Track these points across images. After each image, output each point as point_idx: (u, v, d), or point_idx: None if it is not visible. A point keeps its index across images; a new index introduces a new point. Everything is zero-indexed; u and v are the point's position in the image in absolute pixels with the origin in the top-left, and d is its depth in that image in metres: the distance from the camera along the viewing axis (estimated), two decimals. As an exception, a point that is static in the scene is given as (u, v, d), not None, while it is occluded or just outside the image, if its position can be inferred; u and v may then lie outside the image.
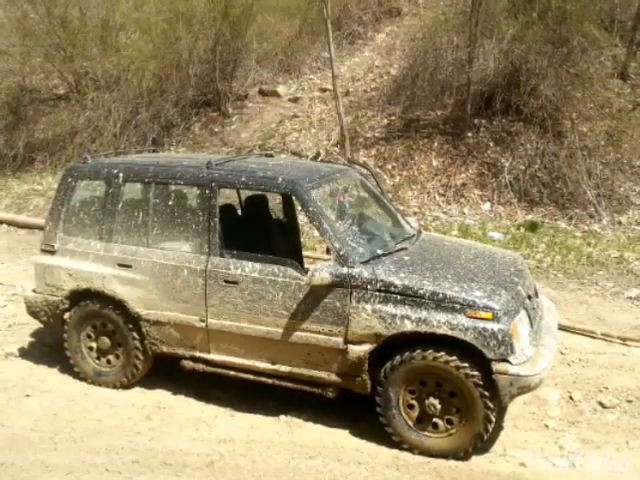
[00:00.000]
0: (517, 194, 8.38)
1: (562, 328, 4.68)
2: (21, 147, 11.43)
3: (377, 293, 3.47)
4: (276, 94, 11.47)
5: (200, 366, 4.00)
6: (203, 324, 3.90)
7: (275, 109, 11.08)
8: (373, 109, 10.19)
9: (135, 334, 4.13)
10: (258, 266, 3.74)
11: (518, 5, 8.91)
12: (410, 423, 3.53)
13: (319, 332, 3.60)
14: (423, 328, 3.36)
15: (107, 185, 4.21)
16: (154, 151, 5.85)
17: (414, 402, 3.52)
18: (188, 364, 4.03)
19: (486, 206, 8.41)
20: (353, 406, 3.89)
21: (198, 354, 4.00)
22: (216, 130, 10.98)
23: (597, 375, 4.38)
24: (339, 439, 3.69)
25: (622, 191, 8.39)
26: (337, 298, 3.53)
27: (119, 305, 4.12)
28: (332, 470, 3.38)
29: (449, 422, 3.48)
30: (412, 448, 3.52)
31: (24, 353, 4.82)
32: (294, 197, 4.02)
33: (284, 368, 3.78)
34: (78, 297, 4.26)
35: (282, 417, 3.90)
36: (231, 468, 3.41)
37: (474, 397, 3.34)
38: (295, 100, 11.19)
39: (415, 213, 8.24)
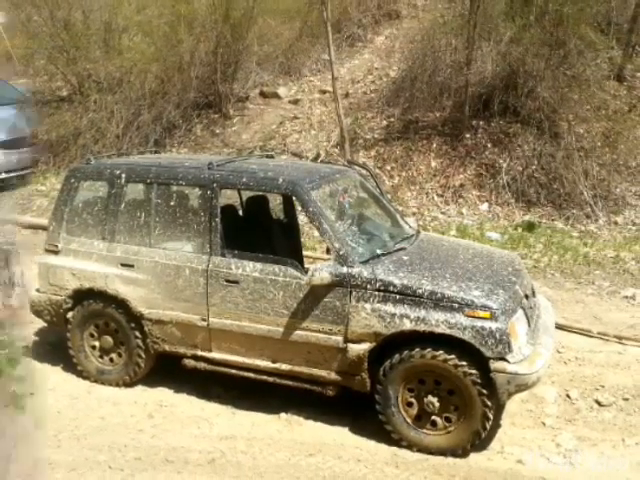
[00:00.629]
0: (515, 195, 8.40)
1: (559, 327, 4.69)
2: (25, 148, 11.46)
3: (376, 292, 3.51)
4: (277, 96, 11.50)
5: (202, 364, 4.05)
6: (205, 323, 3.94)
7: (276, 111, 11.12)
8: (372, 111, 10.22)
9: (137, 333, 4.17)
10: (259, 266, 3.79)
11: (515, 8, 8.95)
12: (409, 421, 3.57)
13: (319, 331, 3.64)
14: (422, 327, 3.40)
15: (110, 186, 4.25)
16: (156, 152, 5.91)
17: (413, 400, 3.56)
18: (190, 362, 4.08)
19: (484, 206, 8.44)
20: (353, 404, 3.92)
21: (200, 353, 4.04)
22: (217, 131, 11.01)
23: (593, 373, 4.41)
24: (339, 437, 3.73)
25: (618, 192, 8.42)
26: (337, 297, 3.58)
27: (122, 304, 4.16)
28: (332, 467, 3.42)
29: (447, 420, 3.52)
30: (411, 445, 3.56)
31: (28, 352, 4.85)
32: (294, 197, 4.06)
33: (285, 366, 3.82)
34: (81, 296, 4.30)
35: (283, 415, 3.94)
36: (232, 465, 3.45)
37: (472, 395, 3.38)
38: (295, 102, 11.23)
39: (414, 213, 8.26)
